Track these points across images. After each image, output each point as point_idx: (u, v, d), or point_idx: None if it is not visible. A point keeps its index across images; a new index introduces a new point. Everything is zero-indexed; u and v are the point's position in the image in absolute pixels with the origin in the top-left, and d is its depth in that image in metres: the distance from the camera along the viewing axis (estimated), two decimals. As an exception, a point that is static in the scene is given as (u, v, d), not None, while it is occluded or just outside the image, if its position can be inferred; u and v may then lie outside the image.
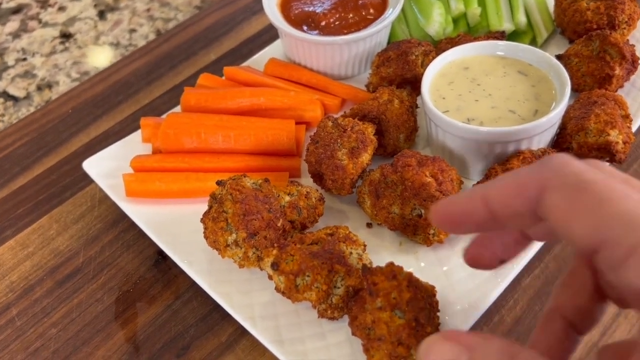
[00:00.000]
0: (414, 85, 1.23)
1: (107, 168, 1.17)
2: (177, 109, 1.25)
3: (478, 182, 1.04)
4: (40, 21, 1.88)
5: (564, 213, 0.53)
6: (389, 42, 1.37)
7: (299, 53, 1.31)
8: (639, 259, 0.48)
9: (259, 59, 1.38)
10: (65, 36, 1.80)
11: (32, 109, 1.56)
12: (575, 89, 1.18)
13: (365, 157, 1.06)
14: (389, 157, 1.17)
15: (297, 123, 1.21)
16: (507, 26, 1.30)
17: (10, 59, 1.74)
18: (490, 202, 0.60)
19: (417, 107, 1.18)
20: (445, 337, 0.59)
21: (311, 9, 1.30)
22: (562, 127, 1.09)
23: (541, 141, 1.06)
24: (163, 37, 1.61)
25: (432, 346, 0.59)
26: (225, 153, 1.15)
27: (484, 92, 1.11)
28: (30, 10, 1.92)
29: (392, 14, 1.26)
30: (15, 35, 1.83)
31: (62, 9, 1.92)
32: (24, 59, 1.74)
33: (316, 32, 1.26)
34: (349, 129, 1.07)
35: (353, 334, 0.85)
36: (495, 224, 0.62)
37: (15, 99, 1.60)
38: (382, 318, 0.79)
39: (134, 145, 1.22)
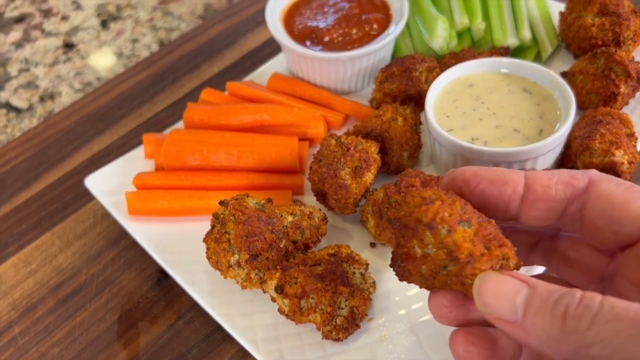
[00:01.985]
0: (417, 101, 1.22)
1: (109, 185, 1.17)
2: (180, 123, 1.25)
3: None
4: (43, 31, 1.87)
5: (621, 196, 0.58)
6: (392, 57, 1.36)
7: (302, 68, 1.30)
8: None
9: (262, 73, 1.37)
10: (68, 46, 1.80)
11: (34, 121, 1.55)
12: (580, 107, 1.17)
13: (369, 176, 1.05)
14: (392, 174, 1.16)
15: (300, 139, 1.21)
16: (512, 41, 1.28)
17: (13, 69, 1.74)
18: (532, 182, 0.62)
19: (420, 124, 1.17)
20: (503, 272, 0.58)
21: (314, 24, 1.29)
22: (567, 146, 1.08)
23: (546, 161, 1.05)
24: (166, 49, 1.60)
25: (489, 279, 0.57)
26: (228, 170, 1.14)
27: (488, 110, 1.10)
28: (33, 20, 1.92)
29: (395, 30, 1.25)
30: (18, 45, 1.83)
31: (65, 18, 1.91)
32: (27, 70, 1.74)
33: (319, 47, 1.25)
34: (352, 148, 1.06)
35: (428, 287, 0.65)
36: (517, 208, 0.63)
37: (18, 110, 1.60)
38: (455, 239, 0.58)
39: (136, 161, 1.21)
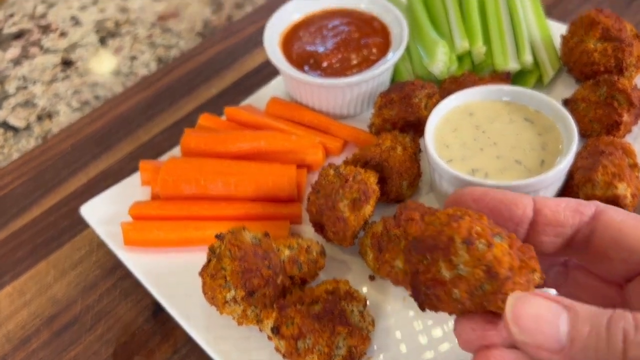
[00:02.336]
0: (417, 127, 1.20)
1: (105, 213, 1.15)
2: (177, 149, 1.23)
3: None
4: (41, 47, 1.85)
5: (633, 225, 0.59)
6: (392, 81, 1.34)
7: (300, 93, 1.28)
8: None
9: (261, 96, 1.35)
10: (66, 63, 1.78)
11: (32, 141, 1.54)
12: (582, 134, 1.15)
13: (368, 209, 1.03)
14: (392, 203, 1.14)
15: (298, 167, 1.19)
16: (513, 65, 1.26)
17: (11, 87, 1.72)
18: (541, 206, 0.62)
19: (420, 151, 1.15)
20: (536, 293, 0.53)
21: (313, 48, 1.27)
22: (570, 177, 1.06)
23: (547, 193, 1.03)
24: (163, 70, 1.58)
25: (524, 301, 0.52)
26: (226, 199, 1.12)
27: (489, 140, 1.08)
28: (31, 36, 1.90)
29: (394, 56, 1.23)
30: (17, 62, 1.81)
31: (63, 34, 1.89)
32: (25, 87, 1.72)
33: (318, 72, 1.23)
34: (350, 179, 1.04)
35: (459, 312, 0.60)
36: (524, 232, 0.62)
37: (15, 129, 1.58)
38: (495, 254, 0.54)
39: (132, 188, 1.19)
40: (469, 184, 1.00)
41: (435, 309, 0.60)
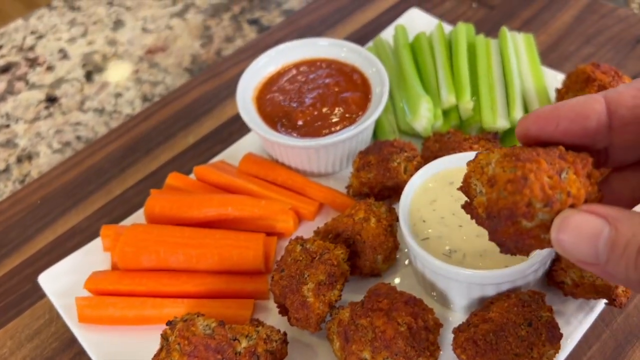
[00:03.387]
0: (397, 192, 1.11)
1: (64, 284, 1.07)
2: (142, 212, 1.14)
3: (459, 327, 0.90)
4: (27, 82, 1.78)
5: None
6: (374, 135, 1.24)
7: (274, 151, 1.18)
8: None
9: (237, 149, 1.26)
10: (51, 100, 1.71)
11: (9, 184, 1.47)
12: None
13: (334, 293, 0.93)
14: (367, 277, 1.04)
15: (268, 234, 1.10)
16: (502, 123, 1.16)
17: (-6, 126, 1.66)
18: (616, 106, 0.56)
19: (397, 221, 1.05)
20: (585, 208, 0.53)
21: (287, 103, 1.17)
22: (556, 258, 0.96)
23: (528, 280, 0.92)
24: (142, 115, 1.50)
25: (570, 219, 0.53)
26: (187, 272, 1.04)
27: (469, 216, 0.97)
28: (18, 70, 1.83)
29: (374, 113, 1.13)
30: (1, 98, 1.75)
31: (50, 68, 1.82)
32: (7, 126, 1.65)
33: (291, 131, 1.14)
34: (317, 258, 0.95)
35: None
36: (607, 136, 0.58)
37: (-6, 171, 1.51)
38: (572, 193, 0.56)
39: (94, 255, 1.11)
40: (444, 271, 0.90)
41: (527, 252, 0.62)
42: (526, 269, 0.88)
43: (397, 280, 1.05)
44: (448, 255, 0.93)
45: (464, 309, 0.97)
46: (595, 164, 0.59)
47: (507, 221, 0.58)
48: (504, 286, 0.90)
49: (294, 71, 1.23)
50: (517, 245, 0.61)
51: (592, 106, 0.57)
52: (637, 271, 0.49)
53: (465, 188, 0.68)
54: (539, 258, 0.88)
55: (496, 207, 0.59)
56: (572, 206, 0.55)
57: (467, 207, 0.67)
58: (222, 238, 1.04)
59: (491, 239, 0.63)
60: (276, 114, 1.16)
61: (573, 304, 0.96)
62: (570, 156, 0.58)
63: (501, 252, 0.63)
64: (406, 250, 1.07)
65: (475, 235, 0.95)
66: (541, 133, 0.60)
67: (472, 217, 0.66)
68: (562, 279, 0.94)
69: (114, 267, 1.08)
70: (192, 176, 1.20)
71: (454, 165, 1.04)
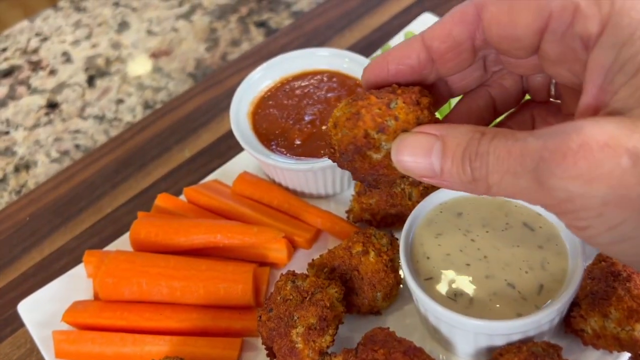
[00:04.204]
0: (400, 219, 1.00)
1: (44, 313, 1.00)
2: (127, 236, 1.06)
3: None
4: (29, 87, 1.71)
5: (507, 13, 0.57)
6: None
7: (270, 171, 1.09)
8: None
9: (232, 166, 1.16)
10: (51, 106, 1.64)
11: (5, 195, 1.40)
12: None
13: (326, 338, 0.84)
14: (366, 315, 0.94)
15: (260, 264, 1.00)
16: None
17: (-7, 132, 1.59)
18: (430, 41, 0.62)
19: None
20: (417, 130, 0.60)
21: (284, 120, 1.07)
22: (575, 303, 0.84)
23: (544, 331, 0.81)
24: (137, 126, 1.41)
25: (404, 140, 0.60)
26: (171, 306, 0.95)
27: (478, 253, 0.86)
28: (21, 73, 1.76)
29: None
30: (2, 103, 1.68)
31: (53, 72, 1.75)
32: (7, 133, 1.59)
33: (287, 152, 1.04)
34: (308, 298, 0.85)
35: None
36: (433, 69, 0.65)
37: (-9, 181, 1.45)
38: (402, 119, 0.62)
39: (78, 281, 1.04)
40: (448, 318, 0.80)
41: (387, 183, 0.69)
42: (541, 319, 0.77)
43: (398, 320, 0.94)
44: (453, 299, 0.82)
45: (470, 357, 0.86)
46: (423, 92, 0.64)
47: (355, 156, 0.65)
48: (515, 337, 0.80)
49: (293, 84, 1.12)
50: (375, 178, 0.68)
51: (411, 46, 0.64)
52: (466, 173, 0.55)
53: (328, 140, 0.72)
54: (556, 307, 0.77)
55: (344, 145, 0.65)
56: (406, 131, 0.61)
57: (331, 157, 0.70)
58: (208, 269, 0.95)
59: (354, 178, 0.70)
60: (272, 131, 1.07)
61: (593, 354, 0.85)
62: (400, 90, 0.64)
63: (368, 188, 0.72)
64: (409, 286, 0.96)
65: (484, 276, 0.84)
66: (377, 79, 0.66)
67: (338, 165, 0.70)
68: (581, 327, 0.83)
69: (96, 297, 1.00)
70: (182, 197, 1.11)
71: (463, 193, 0.93)
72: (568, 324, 0.85)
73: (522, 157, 0.50)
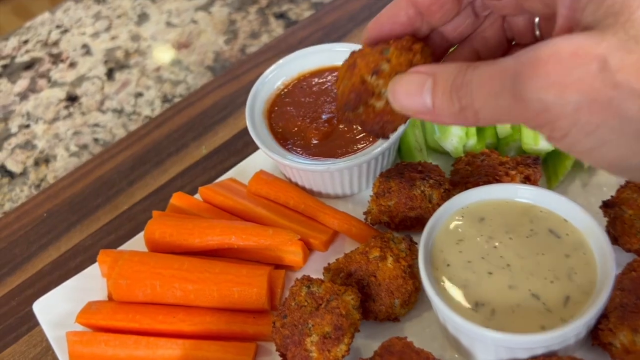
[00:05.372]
0: (420, 222, 0.96)
1: (59, 313, 0.99)
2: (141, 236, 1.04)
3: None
4: (49, 79, 1.70)
5: None
6: (399, 151, 1.09)
7: (286, 171, 1.05)
8: None
9: (249, 164, 1.13)
10: (71, 99, 1.62)
11: (25, 189, 1.40)
12: (627, 248, 0.87)
13: (341, 348, 0.80)
14: (384, 321, 0.91)
15: (276, 266, 0.97)
16: (544, 145, 0.99)
17: (13, 126, 1.58)
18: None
19: (419, 258, 0.91)
20: (409, 71, 0.64)
21: (301, 119, 1.04)
22: (603, 314, 0.79)
23: (570, 345, 0.77)
24: (155, 121, 1.39)
25: (399, 81, 0.64)
26: (185, 308, 0.93)
27: (501, 261, 0.82)
28: (42, 66, 1.75)
29: (396, 133, 0.98)
30: (23, 96, 1.67)
31: (72, 65, 1.73)
32: (27, 126, 1.58)
33: (303, 151, 1.00)
34: (323, 305, 0.82)
35: None
36: (423, 22, 0.69)
37: (11, 175, 1.44)
38: (393, 63, 0.67)
39: (93, 280, 1.02)
40: (468, 330, 0.76)
41: (393, 130, 0.72)
42: (567, 333, 0.73)
43: (417, 327, 0.91)
44: (474, 310, 0.78)
45: (491, 368, 0.82)
46: (414, 40, 0.68)
47: (357, 104, 0.69)
48: (539, 350, 0.75)
49: (310, 81, 1.08)
50: (382, 126, 0.71)
51: (399, 5, 0.68)
52: (454, 104, 0.58)
53: (336, 98, 0.77)
54: (583, 321, 0.73)
55: (346, 96, 0.69)
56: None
57: (339, 112, 0.73)
58: (222, 272, 0.92)
59: (363, 129, 0.75)
60: (288, 130, 1.03)
61: (622, 369, 0.80)
62: (393, 40, 0.68)
63: (376, 138, 0.85)
64: (428, 292, 0.92)
65: (508, 286, 0.80)
66: (377, 37, 0.71)
67: (345, 121, 0.73)
68: (609, 340, 0.78)
69: (110, 297, 0.98)
70: (197, 196, 1.08)
71: (486, 197, 0.88)
72: (595, 336, 0.80)
73: (500, 76, 0.53)
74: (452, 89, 0.57)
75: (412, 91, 0.62)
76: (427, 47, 0.69)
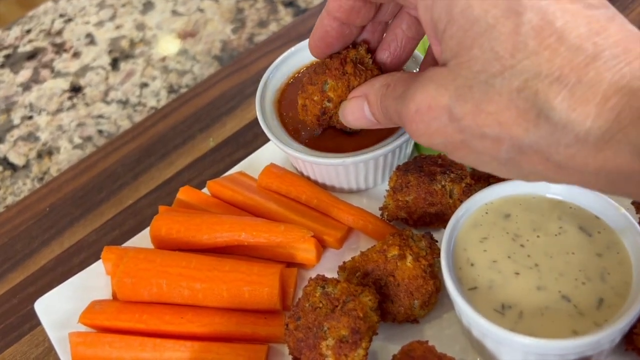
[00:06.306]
0: (440, 218, 0.91)
1: (61, 312, 0.94)
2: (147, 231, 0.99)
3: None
4: (52, 70, 1.65)
5: None
6: (416, 143, 1.04)
7: (298, 165, 1.00)
8: None
9: (259, 157, 1.08)
10: (75, 90, 1.57)
11: (28, 182, 1.35)
12: (661, 247, 0.81)
13: (359, 352, 0.75)
14: (403, 322, 0.86)
15: (288, 264, 0.93)
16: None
17: (16, 117, 1.54)
18: (332, 12, 0.73)
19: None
20: (349, 97, 0.80)
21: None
22: (639, 318, 0.74)
23: (604, 351, 0.72)
24: (160, 112, 1.34)
25: (344, 110, 0.81)
26: (193, 308, 0.88)
27: (528, 260, 0.77)
28: (45, 56, 1.70)
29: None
30: (26, 86, 1.62)
31: (76, 54, 1.68)
32: (30, 117, 1.53)
33: (317, 143, 0.95)
34: (339, 306, 0.77)
35: None
36: (352, 25, 0.76)
37: (13, 167, 1.40)
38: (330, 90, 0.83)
39: (97, 278, 0.97)
40: (494, 334, 0.71)
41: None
42: (601, 338, 0.68)
43: (437, 329, 0.86)
44: (501, 313, 0.73)
45: (518, 375, 0.77)
46: (350, 53, 0.80)
47: (327, 125, 0.90)
48: (570, 357, 0.70)
49: (324, 70, 1.03)
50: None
51: (323, 22, 0.76)
52: (387, 116, 0.70)
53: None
54: (619, 326, 0.68)
55: (315, 125, 0.89)
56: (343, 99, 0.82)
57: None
58: (232, 270, 0.87)
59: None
60: (298, 121, 0.98)
61: (657, 375, 0.75)
62: (331, 61, 0.81)
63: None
64: (449, 292, 0.87)
65: (536, 287, 0.74)
66: (321, 55, 0.82)
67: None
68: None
69: (114, 295, 0.94)
70: (205, 190, 1.03)
71: (512, 192, 0.83)
72: (630, 340, 0.75)
73: (397, 115, 0.66)
74: (382, 106, 0.70)
75: (356, 114, 0.77)
76: (362, 54, 0.80)
